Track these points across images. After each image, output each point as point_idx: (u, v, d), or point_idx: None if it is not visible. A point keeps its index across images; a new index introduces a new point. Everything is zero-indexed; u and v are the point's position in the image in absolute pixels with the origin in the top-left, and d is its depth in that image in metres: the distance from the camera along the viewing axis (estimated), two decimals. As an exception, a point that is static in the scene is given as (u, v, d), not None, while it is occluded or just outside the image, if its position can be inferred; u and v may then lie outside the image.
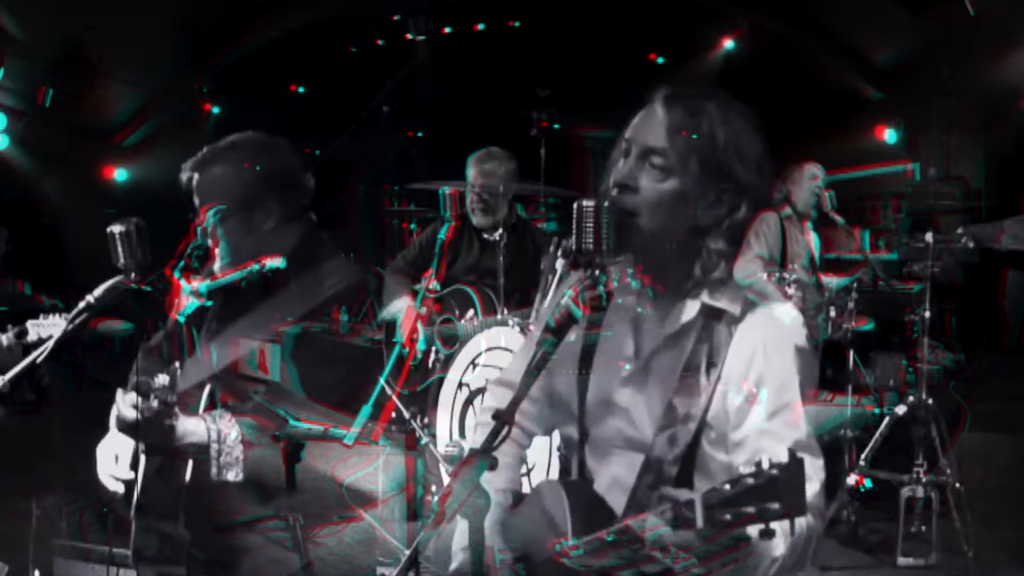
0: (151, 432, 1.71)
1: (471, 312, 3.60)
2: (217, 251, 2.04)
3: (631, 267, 1.51)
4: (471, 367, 3.32)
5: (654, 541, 1.17)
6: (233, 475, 1.78)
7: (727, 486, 1.06)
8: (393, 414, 2.68)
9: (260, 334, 1.96)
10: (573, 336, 1.36)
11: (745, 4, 6.66)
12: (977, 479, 3.62)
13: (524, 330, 3.12)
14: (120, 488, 1.88)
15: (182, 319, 1.96)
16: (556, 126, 4.36)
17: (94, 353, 5.97)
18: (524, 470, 3.08)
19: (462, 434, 3.30)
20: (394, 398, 2.75)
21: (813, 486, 1.35)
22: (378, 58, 7.12)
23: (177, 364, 1.74)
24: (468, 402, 3.32)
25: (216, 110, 7.56)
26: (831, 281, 4.13)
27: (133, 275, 1.79)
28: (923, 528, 3.39)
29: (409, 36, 6.62)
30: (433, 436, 3.38)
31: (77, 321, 1.82)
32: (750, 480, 1.05)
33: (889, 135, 6.96)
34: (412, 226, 7.31)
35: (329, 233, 2.21)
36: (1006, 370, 5.49)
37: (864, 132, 7.05)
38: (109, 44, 6.15)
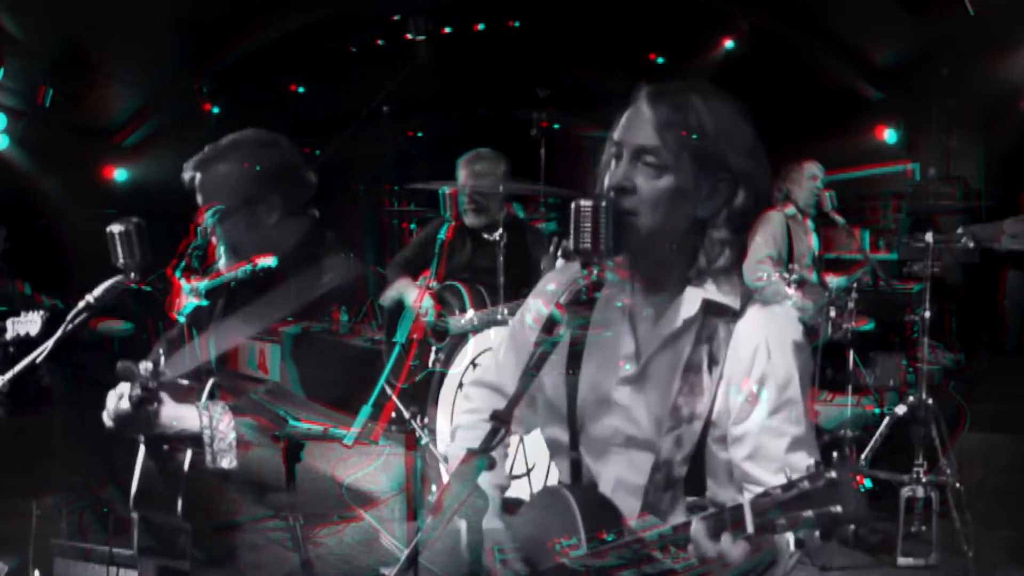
0: (136, 418, 1.71)
1: (471, 311, 3.61)
2: (219, 250, 2.04)
3: (621, 264, 1.51)
4: (471, 367, 3.32)
5: (654, 541, 1.17)
6: (227, 462, 1.78)
7: (779, 490, 1.07)
8: (393, 414, 2.68)
9: (259, 328, 1.96)
10: (565, 334, 1.36)
11: (745, 4, 6.65)
12: (977, 479, 3.62)
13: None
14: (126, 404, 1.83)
15: (182, 319, 1.96)
16: (556, 126, 4.36)
17: (94, 353, 5.98)
18: (524, 470, 3.09)
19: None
20: (394, 398, 2.75)
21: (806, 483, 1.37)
22: (378, 58, 7.11)
23: (160, 350, 1.74)
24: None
25: (216, 110, 7.55)
26: (832, 280, 4.13)
27: (133, 275, 1.79)
28: (923, 528, 3.39)
29: (409, 36, 6.62)
30: (433, 434, 3.39)
31: (77, 321, 1.82)
32: (805, 484, 1.05)
33: (889, 135, 6.96)
34: (412, 226, 7.31)
35: (330, 230, 2.22)
36: (1006, 370, 5.49)
37: (864, 132, 7.05)
38: (109, 44, 6.15)
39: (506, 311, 3.34)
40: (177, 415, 1.77)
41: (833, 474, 1.03)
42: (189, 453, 1.86)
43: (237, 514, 1.91)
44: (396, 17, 6.62)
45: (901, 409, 3.54)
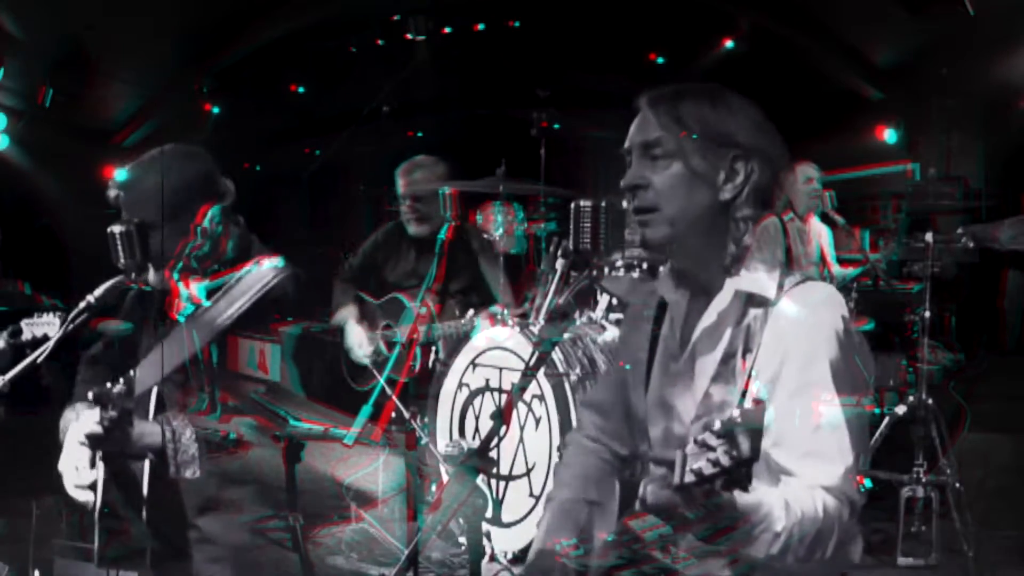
0: (113, 440, 1.73)
1: (471, 312, 3.61)
2: (229, 246, 2.05)
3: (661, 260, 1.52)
4: (471, 367, 3.32)
5: (654, 541, 1.17)
6: (191, 472, 1.79)
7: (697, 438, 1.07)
8: (393, 414, 2.68)
9: (208, 337, 1.96)
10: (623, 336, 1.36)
11: (745, 4, 6.66)
12: (977, 479, 3.62)
13: (524, 331, 3.12)
14: (90, 496, 1.89)
15: (182, 320, 1.96)
16: (556, 126, 4.37)
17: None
18: (524, 470, 3.09)
19: (462, 434, 3.31)
20: (394, 398, 2.76)
21: (836, 468, 1.34)
22: (378, 58, 7.11)
23: (132, 372, 1.75)
24: (468, 402, 3.32)
25: (216, 110, 7.54)
26: (839, 272, 4.14)
27: (133, 275, 1.79)
28: (923, 528, 3.39)
29: (409, 36, 6.62)
30: (432, 433, 3.39)
31: (77, 321, 1.83)
32: (717, 427, 1.05)
33: (889, 135, 6.96)
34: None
35: (317, 233, 2.24)
36: (1006, 370, 5.49)
37: (864, 132, 7.05)
38: (109, 44, 6.14)
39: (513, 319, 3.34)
40: (140, 431, 1.79)
41: (737, 417, 1.03)
42: (147, 462, 1.87)
43: (234, 515, 1.91)
44: (396, 17, 6.62)
45: (901, 409, 3.54)
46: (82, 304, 1.81)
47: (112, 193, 2.07)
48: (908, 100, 6.81)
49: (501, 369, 3.13)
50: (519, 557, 3.07)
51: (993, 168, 6.64)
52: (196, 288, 1.90)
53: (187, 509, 1.90)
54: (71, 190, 7.06)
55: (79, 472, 1.89)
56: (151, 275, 2.02)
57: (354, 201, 8.36)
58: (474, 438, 3.24)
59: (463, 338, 3.42)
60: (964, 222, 5.77)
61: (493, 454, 1.33)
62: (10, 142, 6.58)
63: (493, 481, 3.08)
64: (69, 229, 6.67)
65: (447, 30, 6.80)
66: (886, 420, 3.57)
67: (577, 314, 3.44)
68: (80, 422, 1.79)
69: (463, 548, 3.14)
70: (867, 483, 3.65)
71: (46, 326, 2.49)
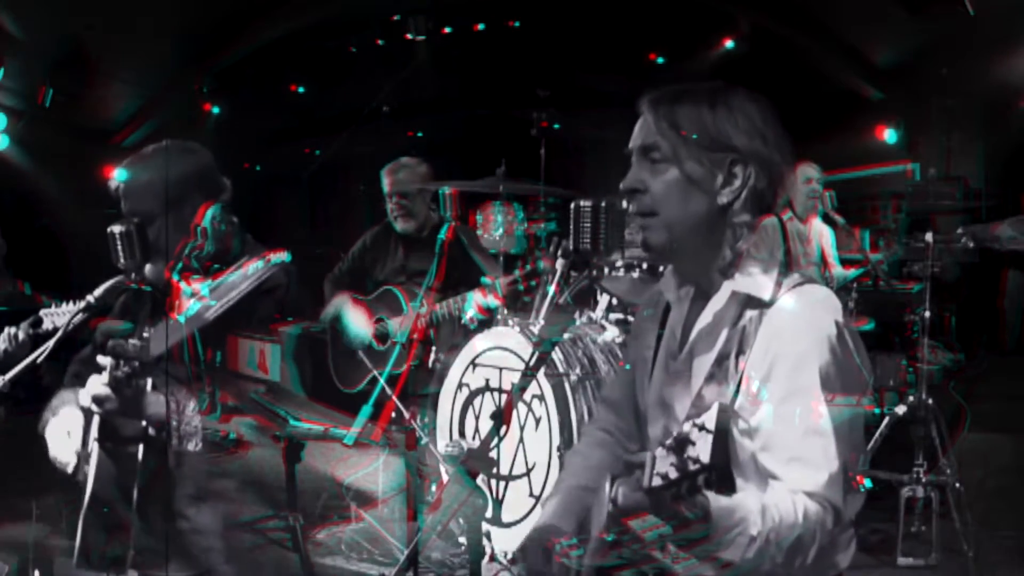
0: (122, 399, 1.73)
1: (471, 311, 3.62)
2: (234, 243, 2.08)
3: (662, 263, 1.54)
4: (471, 367, 3.32)
5: (654, 541, 1.17)
6: (193, 445, 1.80)
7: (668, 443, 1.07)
8: (393, 414, 2.68)
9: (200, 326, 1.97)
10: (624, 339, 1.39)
11: (745, 4, 6.65)
12: (977, 479, 3.62)
13: (524, 331, 3.12)
14: (74, 460, 1.89)
15: (183, 320, 1.96)
16: (556, 126, 4.38)
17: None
18: (524, 470, 3.09)
19: (462, 434, 3.31)
20: (394, 398, 2.76)
21: (820, 475, 1.34)
22: (378, 58, 7.11)
23: (149, 329, 1.75)
24: (468, 402, 3.32)
25: (216, 110, 7.54)
26: (840, 273, 4.14)
27: (133, 275, 1.80)
28: (923, 528, 3.39)
29: (409, 36, 6.62)
30: (433, 432, 3.39)
31: (77, 321, 1.83)
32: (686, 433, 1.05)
33: (889, 135, 6.96)
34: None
35: (317, 233, 2.25)
36: (1006, 370, 5.49)
37: (864, 132, 7.05)
38: (109, 44, 6.14)
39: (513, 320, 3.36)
40: (146, 400, 1.79)
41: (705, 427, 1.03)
42: (141, 449, 1.87)
43: (236, 513, 1.91)
44: (396, 17, 6.62)
45: (901, 409, 3.54)
46: (82, 304, 1.81)
47: (113, 186, 2.10)
48: (908, 100, 6.81)
49: (501, 369, 3.13)
50: (519, 557, 3.07)
51: (993, 168, 6.64)
52: (200, 287, 1.91)
53: (177, 499, 1.90)
54: (71, 190, 7.05)
55: (70, 437, 1.89)
56: (148, 269, 2.04)
57: (354, 201, 8.36)
58: (474, 438, 3.24)
59: (458, 319, 3.49)
60: (964, 222, 5.77)
61: (493, 454, 1.33)
62: (10, 142, 6.58)
63: (493, 481, 3.08)
64: (69, 229, 6.67)
65: (447, 30, 6.79)
66: (886, 420, 3.56)
67: (577, 314, 3.44)
68: (87, 386, 1.79)
69: (463, 548, 3.14)
70: (867, 483, 3.65)
71: (66, 316, 2.52)
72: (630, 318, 3.37)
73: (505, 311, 3.39)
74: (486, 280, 3.47)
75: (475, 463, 1.23)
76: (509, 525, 3.13)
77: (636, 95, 1.55)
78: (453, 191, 3.42)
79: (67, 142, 7.00)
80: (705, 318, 1.49)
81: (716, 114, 1.45)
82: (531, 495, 3.07)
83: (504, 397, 3.14)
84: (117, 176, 2.10)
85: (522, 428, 3.10)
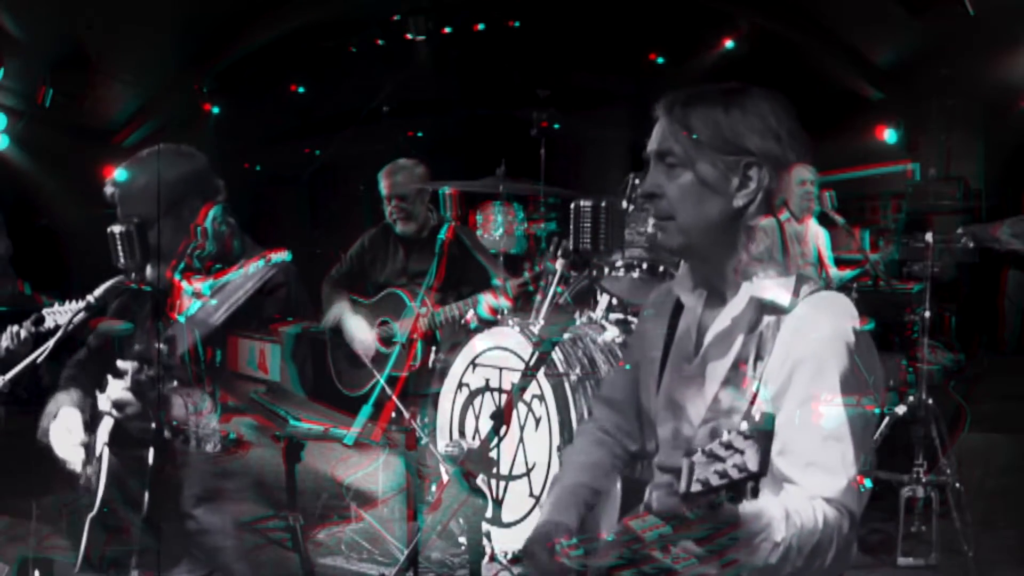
0: (144, 400, 1.73)
1: (471, 312, 3.62)
2: (234, 243, 2.08)
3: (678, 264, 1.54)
4: (471, 367, 3.32)
5: (654, 541, 1.17)
6: (211, 446, 1.80)
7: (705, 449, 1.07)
8: (393, 414, 2.68)
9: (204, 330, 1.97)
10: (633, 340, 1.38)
11: (745, 4, 6.65)
12: (977, 479, 3.62)
13: (524, 331, 3.12)
14: (80, 453, 1.90)
15: (183, 320, 1.96)
16: (556, 126, 4.38)
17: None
18: (524, 470, 3.09)
19: (462, 434, 3.31)
20: (394, 398, 2.76)
21: (839, 481, 1.34)
22: (378, 58, 7.11)
23: (171, 332, 1.76)
24: (468, 402, 3.32)
25: (216, 110, 7.54)
26: (837, 274, 4.13)
27: (133, 275, 1.80)
28: (923, 528, 3.39)
29: (409, 36, 6.63)
30: (433, 432, 3.39)
31: (77, 321, 1.83)
32: (728, 439, 1.05)
33: (889, 135, 6.96)
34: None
35: (317, 233, 2.26)
36: (1006, 370, 5.49)
37: (864, 132, 7.05)
38: (109, 44, 6.14)
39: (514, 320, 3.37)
40: (173, 402, 1.79)
41: (749, 437, 1.03)
42: (152, 452, 1.87)
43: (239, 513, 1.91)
44: (396, 17, 6.62)
45: (901, 409, 3.54)
46: (82, 304, 1.82)
47: (108, 190, 2.10)
48: (908, 100, 6.81)
49: (501, 369, 3.13)
50: (519, 557, 3.07)
51: (993, 168, 6.64)
52: (202, 286, 1.91)
53: (188, 500, 1.90)
54: (71, 190, 7.06)
55: (71, 433, 1.90)
56: (148, 271, 2.04)
57: (354, 201, 8.36)
58: (474, 438, 3.24)
59: (465, 320, 3.49)
60: (964, 222, 5.78)
61: (493, 454, 1.33)
62: (10, 142, 6.58)
63: (493, 481, 3.08)
64: (69, 229, 6.67)
65: (447, 30, 6.79)
66: (886, 420, 3.56)
67: (577, 314, 3.44)
68: (107, 391, 1.80)
69: (463, 548, 3.14)
70: (867, 483, 3.65)
71: (68, 314, 2.52)
72: (630, 318, 3.37)
73: (512, 312, 3.40)
74: (496, 282, 3.48)
75: (474, 465, 1.23)
76: (509, 525, 3.13)
77: (636, 95, 1.55)
78: (453, 191, 3.43)
79: (67, 142, 7.00)
80: (723, 322, 1.49)
81: (730, 116, 1.46)
82: (531, 495, 3.08)
83: (504, 397, 3.14)
84: (112, 181, 2.11)
85: (522, 428, 3.10)
